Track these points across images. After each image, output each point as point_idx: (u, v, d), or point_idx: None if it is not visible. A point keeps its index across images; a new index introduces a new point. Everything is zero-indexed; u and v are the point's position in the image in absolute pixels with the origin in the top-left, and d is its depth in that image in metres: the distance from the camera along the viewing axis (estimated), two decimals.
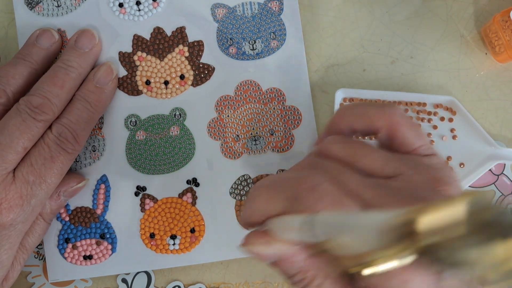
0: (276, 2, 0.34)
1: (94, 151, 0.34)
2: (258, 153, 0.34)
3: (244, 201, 0.27)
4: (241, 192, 0.34)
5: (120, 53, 0.34)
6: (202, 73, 0.34)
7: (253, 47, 0.34)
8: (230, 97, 0.34)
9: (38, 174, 0.29)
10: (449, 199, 0.15)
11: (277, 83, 0.34)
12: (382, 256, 0.17)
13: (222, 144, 0.34)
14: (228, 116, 0.34)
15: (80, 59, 0.32)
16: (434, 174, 0.24)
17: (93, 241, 0.34)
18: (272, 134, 0.34)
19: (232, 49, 0.34)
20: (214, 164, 0.34)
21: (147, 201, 0.34)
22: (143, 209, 0.34)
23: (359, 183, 0.23)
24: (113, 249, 0.34)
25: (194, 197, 0.34)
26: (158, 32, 0.34)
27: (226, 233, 0.34)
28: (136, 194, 0.34)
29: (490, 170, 0.34)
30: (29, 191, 0.29)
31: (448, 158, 0.34)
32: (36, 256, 0.35)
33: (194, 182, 0.34)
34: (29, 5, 0.34)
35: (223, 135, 0.34)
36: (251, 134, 0.34)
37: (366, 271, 0.18)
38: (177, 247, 0.34)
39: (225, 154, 0.34)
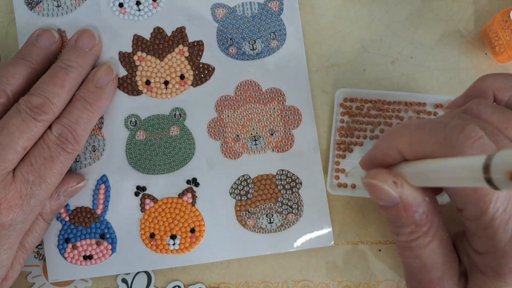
0: (276, 2, 0.34)
1: (94, 151, 0.34)
2: (258, 153, 0.34)
3: (380, 138, 0.26)
4: (241, 192, 0.34)
5: (120, 53, 0.34)
6: (202, 73, 0.34)
7: (253, 47, 0.34)
8: (230, 97, 0.34)
9: (38, 174, 0.29)
10: None
11: (277, 83, 0.34)
12: None
13: (222, 144, 0.34)
14: (228, 116, 0.34)
15: (80, 59, 0.32)
16: None
17: (93, 241, 0.34)
18: (272, 134, 0.34)
19: (232, 49, 0.34)
20: (214, 164, 0.34)
21: (147, 201, 0.34)
22: (143, 209, 0.34)
23: None
24: (113, 249, 0.34)
25: (194, 197, 0.34)
26: (158, 32, 0.34)
27: (226, 233, 0.34)
28: (136, 194, 0.34)
29: None
30: (29, 191, 0.29)
31: None
32: (36, 256, 0.35)
33: (194, 182, 0.34)
34: (29, 5, 0.34)
35: (223, 135, 0.34)
36: (251, 134, 0.34)
37: None
38: (177, 247, 0.34)
39: (225, 154, 0.34)
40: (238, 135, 0.34)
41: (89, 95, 0.32)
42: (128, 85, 0.34)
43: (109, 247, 0.34)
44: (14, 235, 0.29)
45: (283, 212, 0.34)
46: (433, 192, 0.26)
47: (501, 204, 0.22)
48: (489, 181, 0.18)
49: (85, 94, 0.32)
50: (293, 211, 0.34)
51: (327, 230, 0.34)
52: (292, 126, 0.34)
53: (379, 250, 0.34)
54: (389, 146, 0.25)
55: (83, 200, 0.34)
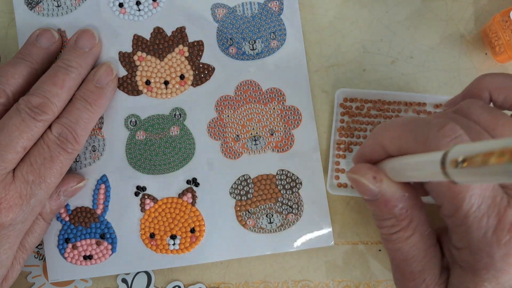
0: (276, 2, 0.34)
1: (94, 151, 0.34)
2: (258, 153, 0.34)
3: (368, 135, 0.27)
4: (241, 192, 0.34)
5: (120, 53, 0.34)
6: (202, 73, 0.34)
7: (253, 47, 0.34)
8: (230, 97, 0.34)
9: (37, 174, 0.29)
10: None
11: (277, 83, 0.34)
12: None
13: (222, 144, 0.34)
14: (228, 116, 0.34)
15: (80, 59, 0.32)
16: None
17: (93, 241, 0.34)
18: (272, 134, 0.34)
19: (232, 49, 0.34)
20: (214, 164, 0.34)
21: (147, 201, 0.34)
22: (143, 209, 0.34)
23: None
24: (113, 249, 0.34)
25: (194, 197, 0.34)
26: (158, 32, 0.34)
27: (226, 233, 0.34)
28: (136, 194, 0.34)
29: None
30: (29, 191, 0.29)
31: None
32: (36, 256, 0.35)
33: (194, 182, 0.34)
34: (29, 5, 0.34)
35: (223, 135, 0.34)
36: (251, 134, 0.34)
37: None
38: (177, 247, 0.34)
39: (225, 154, 0.34)
40: (238, 135, 0.34)
41: (89, 95, 0.32)
42: (128, 85, 0.34)
43: (109, 247, 0.34)
44: (14, 235, 0.29)
45: (283, 212, 0.34)
46: (423, 191, 0.27)
47: (475, 202, 0.22)
48: (446, 174, 0.18)
49: (85, 94, 0.32)
50: (293, 211, 0.34)
51: (327, 230, 0.34)
52: (292, 126, 0.34)
53: (379, 250, 0.34)
54: (374, 143, 0.26)
55: (83, 200, 0.34)
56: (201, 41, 0.34)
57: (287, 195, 0.34)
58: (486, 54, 0.35)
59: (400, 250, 0.26)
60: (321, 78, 0.35)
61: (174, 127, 0.34)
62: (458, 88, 0.34)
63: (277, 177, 0.34)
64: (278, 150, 0.34)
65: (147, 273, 0.34)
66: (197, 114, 0.34)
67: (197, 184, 0.34)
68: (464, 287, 0.24)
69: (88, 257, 0.34)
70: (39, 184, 0.29)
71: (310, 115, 0.34)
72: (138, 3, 0.34)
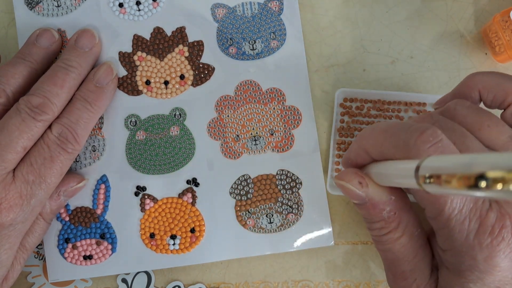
0: (276, 2, 0.34)
1: (94, 151, 0.34)
2: (258, 153, 0.34)
3: (353, 140, 0.27)
4: (241, 192, 0.34)
5: (120, 53, 0.34)
6: (202, 73, 0.34)
7: (253, 47, 0.34)
8: (230, 97, 0.34)
9: (38, 174, 0.29)
10: None
11: (277, 83, 0.34)
12: None
13: (222, 144, 0.34)
14: (228, 116, 0.34)
15: (80, 59, 0.32)
16: None
17: (93, 241, 0.34)
18: (272, 134, 0.34)
19: (232, 49, 0.34)
20: (214, 164, 0.34)
21: (147, 201, 0.34)
22: (143, 209, 0.34)
23: (482, 151, 0.22)
24: (113, 249, 0.34)
25: (194, 197, 0.34)
26: (158, 32, 0.34)
27: (226, 233, 0.34)
28: (136, 194, 0.34)
29: None
30: (29, 191, 0.29)
31: None
32: (36, 256, 0.35)
33: (194, 182, 0.34)
34: (29, 5, 0.34)
35: (223, 135, 0.34)
36: (251, 134, 0.34)
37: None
38: (177, 247, 0.34)
39: (225, 154, 0.34)
40: (238, 135, 0.34)
41: (89, 95, 0.32)
42: (128, 85, 0.34)
43: (109, 247, 0.34)
44: (14, 235, 0.29)
45: (283, 212, 0.34)
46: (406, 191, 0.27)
47: (456, 206, 0.22)
48: (420, 185, 0.19)
49: (85, 94, 0.32)
50: (293, 211, 0.34)
51: (327, 230, 0.34)
52: (292, 126, 0.34)
53: None
54: (359, 147, 0.26)
55: (83, 200, 0.34)
56: (201, 41, 0.34)
57: (287, 195, 0.34)
58: (486, 54, 0.35)
59: (390, 251, 0.26)
60: (321, 78, 0.35)
61: (174, 127, 0.34)
62: None
63: (277, 177, 0.34)
64: (278, 150, 0.34)
65: (147, 273, 0.34)
66: (197, 114, 0.34)
67: (197, 184, 0.34)
68: None
69: (88, 257, 0.34)
70: (39, 184, 0.29)
71: (310, 115, 0.34)
72: (138, 3, 0.34)
